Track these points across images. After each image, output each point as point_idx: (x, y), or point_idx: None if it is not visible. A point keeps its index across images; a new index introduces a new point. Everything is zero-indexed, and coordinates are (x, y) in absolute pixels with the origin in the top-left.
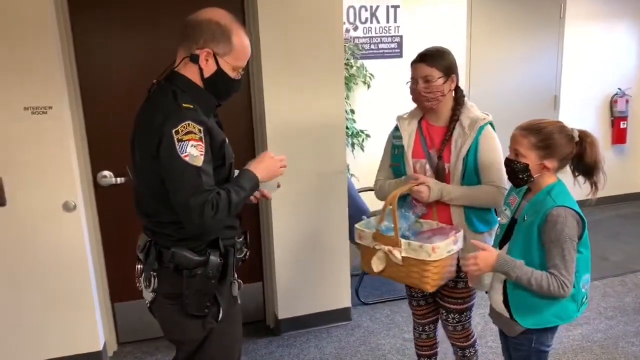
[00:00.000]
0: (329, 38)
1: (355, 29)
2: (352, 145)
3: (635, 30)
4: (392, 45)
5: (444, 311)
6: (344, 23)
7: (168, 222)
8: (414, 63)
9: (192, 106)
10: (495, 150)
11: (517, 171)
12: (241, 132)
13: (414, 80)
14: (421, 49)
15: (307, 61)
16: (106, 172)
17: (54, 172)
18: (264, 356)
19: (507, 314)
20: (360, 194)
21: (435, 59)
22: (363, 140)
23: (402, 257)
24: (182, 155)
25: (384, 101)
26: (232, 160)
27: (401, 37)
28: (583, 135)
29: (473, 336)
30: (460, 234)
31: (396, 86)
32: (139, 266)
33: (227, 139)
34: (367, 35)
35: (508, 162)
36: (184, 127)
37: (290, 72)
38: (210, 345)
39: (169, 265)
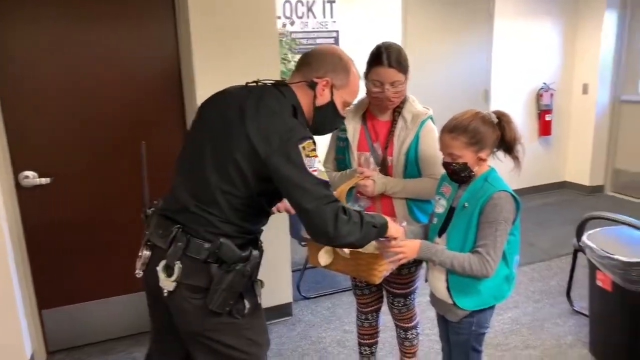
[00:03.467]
0: (262, 30)
1: (292, 23)
2: None
3: (559, 27)
4: (329, 41)
5: (390, 295)
6: (280, 17)
7: (220, 216)
8: (381, 67)
9: None
10: (435, 144)
11: (458, 171)
12: (173, 124)
13: (379, 83)
14: (357, 45)
15: (240, 54)
16: (29, 173)
17: None
18: None
19: (450, 300)
20: None
21: (401, 64)
22: None
23: (350, 251)
24: (311, 170)
25: None
26: None
27: (337, 32)
28: (500, 116)
29: (416, 318)
30: (404, 226)
31: None
32: (147, 252)
33: None
34: (303, 30)
35: (447, 165)
36: (309, 144)
37: (223, 65)
38: (235, 340)
39: (199, 257)
